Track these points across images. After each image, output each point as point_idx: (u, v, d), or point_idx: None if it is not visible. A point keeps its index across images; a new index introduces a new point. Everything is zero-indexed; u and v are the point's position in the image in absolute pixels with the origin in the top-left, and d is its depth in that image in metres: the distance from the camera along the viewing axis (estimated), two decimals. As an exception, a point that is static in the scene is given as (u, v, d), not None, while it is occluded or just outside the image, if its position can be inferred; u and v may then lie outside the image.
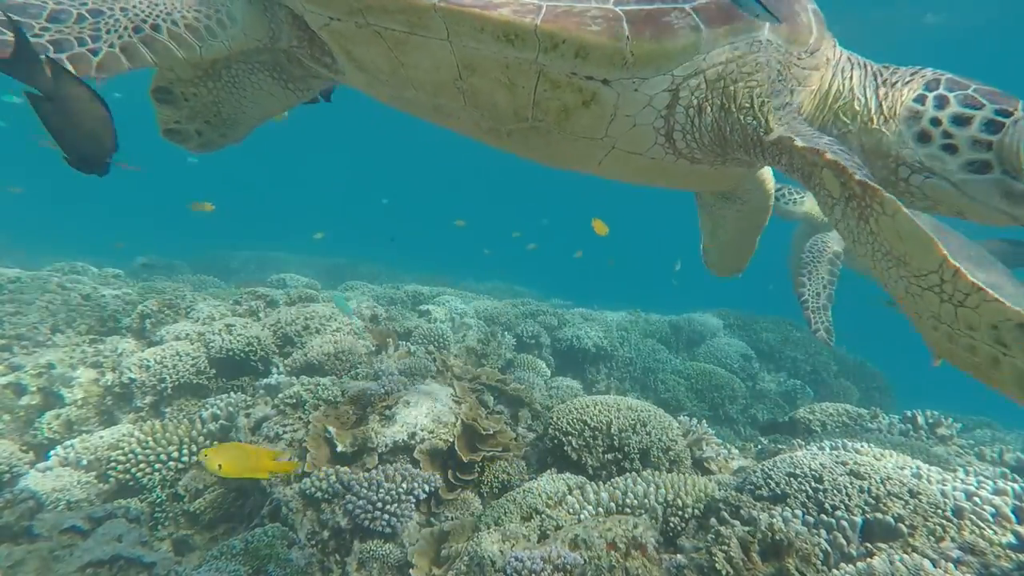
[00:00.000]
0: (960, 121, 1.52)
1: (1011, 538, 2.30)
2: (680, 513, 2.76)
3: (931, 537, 2.31)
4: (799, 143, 1.48)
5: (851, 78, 1.74)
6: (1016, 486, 2.66)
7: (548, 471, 3.59)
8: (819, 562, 2.19)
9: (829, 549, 2.25)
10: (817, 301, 3.91)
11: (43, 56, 1.36)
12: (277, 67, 2.10)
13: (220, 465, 2.42)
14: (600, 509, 2.87)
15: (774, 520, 2.36)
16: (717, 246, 2.92)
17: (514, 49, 1.52)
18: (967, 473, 2.96)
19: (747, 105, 1.62)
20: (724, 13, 1.50)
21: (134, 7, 1.62)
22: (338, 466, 3.54)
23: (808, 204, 4.36)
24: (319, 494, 3.36)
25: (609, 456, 3.47)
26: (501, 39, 1.50)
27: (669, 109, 1.62)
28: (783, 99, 1.66)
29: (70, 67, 1.39)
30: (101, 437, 4.04)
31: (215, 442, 4.01)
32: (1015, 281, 4.01)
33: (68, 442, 4.03)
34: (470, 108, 1.77)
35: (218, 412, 4.16)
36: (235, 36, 1.76)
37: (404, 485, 3.31)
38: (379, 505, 3.21)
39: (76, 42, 1.48)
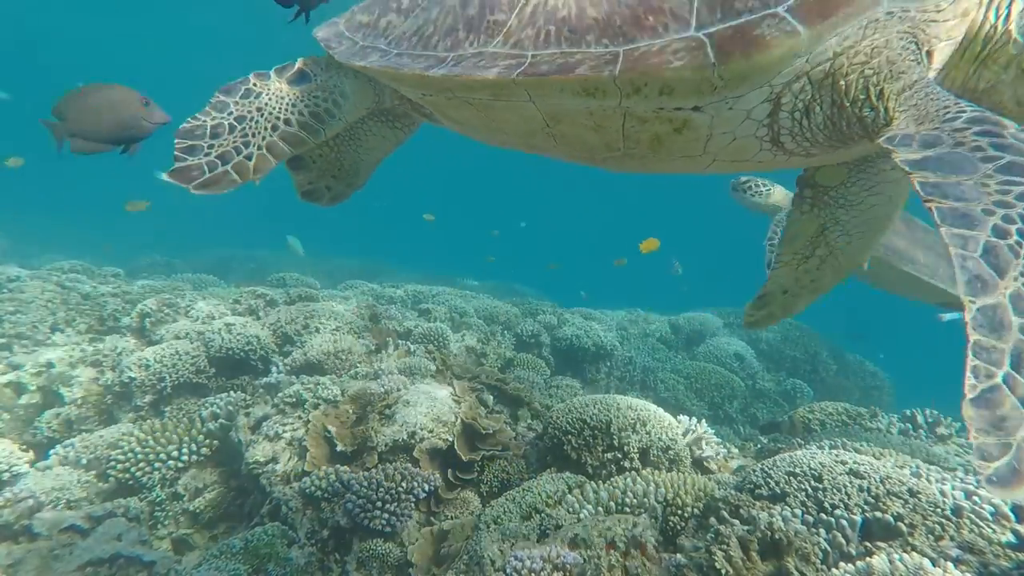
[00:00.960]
0: None
1: (1010, 537, 2.30)
2: (680, 512, 2.76)
3: (930, 536, 2.31)
4: (900, 155, 1.27)
5: (1009, 13, 1.46)
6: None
7: (548, 470, 3.59)
8: (818, 561, 2.19)
9: (828, 548, 2.25)
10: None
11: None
12: (385, 114, 2.28)
13: None
14: (600, 508, 2.87)
15: (774, 519, 2.36)
16: (812, 264, 2.35)
17: (596, 100, 1.51)
18: (966, 472, 2.96)
19: (862, 97, 1.46)
20: (826, 5, 1.34)
21: (267, 105, 1.84)
22: (338, 465, 3.54)
23: (776, 195, 4.31)
24: (319, 493, 3.36)
25: (609, 455, 3.47)
26: (582, 94, 1.51)
27: (771, 117, 1.54)
28: (911, 76, 1.44)
29: (236, 178, 1.68)
30: (101, 436, 4.05)
31: (215, 442, 4.01)
32: None
33: (68, 441, 4.04)
34: (561, 146, 1.79)
35: (218, 411, 4.16)
36: (348, 110, 1.96)
37: (404, 484, 3.31)
38: (379, 504, 3.21)
39: (235, 151, 1.74)
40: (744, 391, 7.53)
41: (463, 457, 3.59)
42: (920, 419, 4.47)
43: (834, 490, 2.53)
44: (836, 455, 2.80)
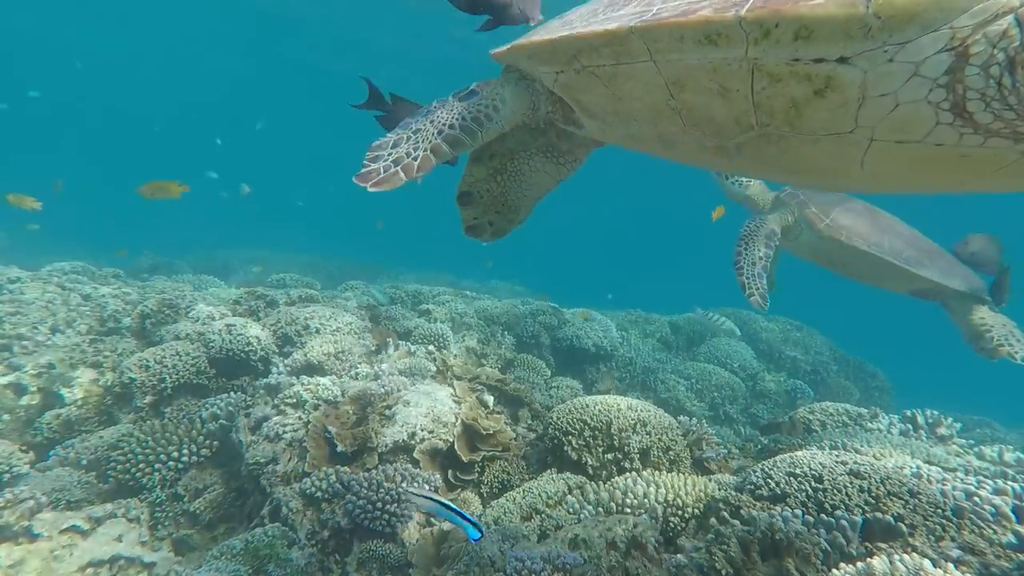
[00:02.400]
0: None
1: (1011, 538, 2.30)
2: (680, 513, 2.76)
3: (931, 537, 2.31)
4: None
5: None
6: (1016, 485, 2.66)
7: (548, 471, 3.59)
8: (819, 561, 2.19)
9: (829, 549, 2.24)
10: (752, 269, 4.01)
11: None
12: (549, 148, 2.44)
13: None
14: (600, 509, 2.87)
15: (774, 520, 2.36)
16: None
17: (719, 50, 1.36)
18: (967, 473, 2.96)
19: None
20: None
21: (438, 118, 2.09)
22: (338, 466, 3.54)
23: (754, 188, 4.39)
24: (319, 494, 3.36)
25: (609, 456, 3.48)
26: (703, 42, 1.37)
27: (953, 74, 1.16)
28: None
29: (403, 175, 1.94)
30: (101, 437, 4.05)
31: (215, 443, 4.02)
32: (949, 258, 4.05)
33: (68, 442, 4.04)
34: (690, 128, 1.69)
35: (218, 412, 4.16)
36: (506, 115, 2.13)
37: (404, 485, 3.31)
38: (379, 505, 3.21)
39: (406, 155, 2.01)
40: (744, 392, 7.53)
41: (463, 458, 3.59)
42: (920, 420, 4.47)
43: (834, 490, 2.53)
44: (836, 456, 2.80)
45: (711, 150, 1.77)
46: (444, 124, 2.07)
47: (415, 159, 2.00)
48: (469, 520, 2.30)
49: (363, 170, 1.99)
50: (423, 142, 2.05)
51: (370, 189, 1.93)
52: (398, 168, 1.96)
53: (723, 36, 1.32)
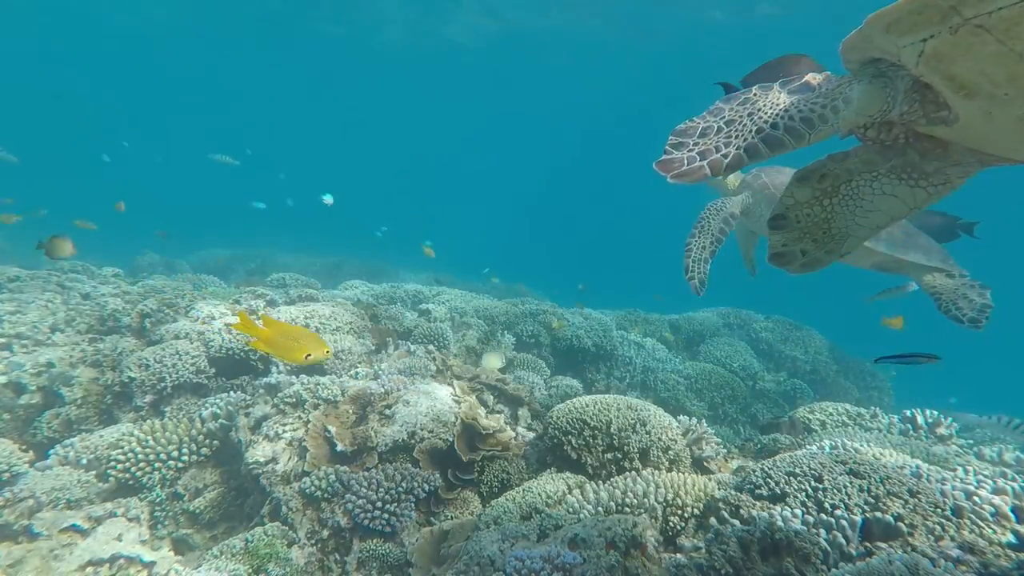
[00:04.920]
0: None
1: (1010, 537, 2.30)
2: (680, 512, 2.76)
3: (930, 536, 2.31)
4: None
5: None
6: (1015, 485, 2.66)
7: (548, 470, 3.59)
8: (818, 561, 2.19)
9: (828, 548, 2.25)
10: (701, 253, 4.01)
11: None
12: (906, 167, 1.96)
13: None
14: (600, 508, 2.87)
15: (774, 519, 2.36)
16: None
17: None
18: (966, 472, 2.96)
19: None
20: None
21: (760, 111, 1.85)
22: (338, 465, 3.54)
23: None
24: (319, 493, 3.36)
25: (609, 455, 3.47)
26: None
27: None
28: None
29: (708, 171, 1.75)
30: (101, 436, 4.05)
31: (215, 442, 4.01)
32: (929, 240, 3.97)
33: (68, 441, 4.04)
34: None
35: (218, 411, 4.16)
36: (847, 116, 1.80)
37: (404, 484, 3.31)
38: (379, 504, 3.21)
39: (714, 149, 1.81)
40: (744, 391, 7.53)
41: (463, 457, 3.59)
42: (920, 419, 4.47)
43: (834, 490, 2.53)
44: (836, 455, 2.80)
45: None
46: (765, 123, 1.81)
47: (725, 156, 1.78)
48: None
49: (664, 157, 1.82)
50: (736, 137, 1.82)
51: (670, 180, 1.77)
52: (704, 163, 1.77)
53: None
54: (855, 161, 1.95)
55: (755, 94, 1.91)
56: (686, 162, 1.78)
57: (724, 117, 1.89)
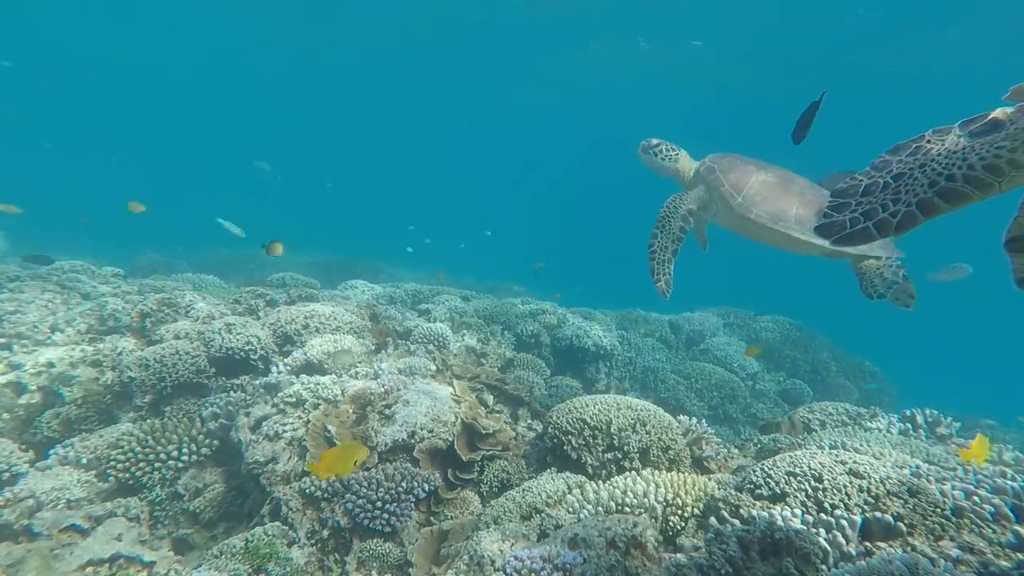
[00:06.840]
0: None
1: (1010, 537, 2.30)
2: (680, 512, 2.76)
3: (930, 536, 2.31)
4: None
5: None
6: (1015, 485, 2.66)
7: (548, 470, 3.59)
8: (818, 561, 2.19)
9: (828, 548, 2.25)
10: (664, 254, 4.02)
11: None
12: None
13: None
14: (600, 508, 2.87)
15: (774, 519, 2.36)
16: None
17: None
18: (966, 472, 2.96)
19: None
20: None
21: (932, 161, 1.67)
22: (338, 465, 3.54)
23: (682, 162, 4.39)
24: (319, 493, 3.36)
25: (609, 455, 3.47)
26: None
27: None
28: None
29: (875, 233, 1.62)
30: (101, 436, 4.05)
31: (215, 442, 4.01)
32: None
33: (68, 441, 4.04)
34: None
35: (218, 411, 4.16)
36: None
37: (404, 484, 3.31)
38: (379, 504, 3.21)
39: (880, 208, 1.66)
40: (744, 391, 7.53)
41: (463, 457, 3.59)
42: (920, 419, 4.47)
43: (834, 490, 2.53)
44: (836, 455, 2.80)
45: None
46: (940, 174, 1.61)
47: (893, 215, 1.63)
48: None
49: (825, 220, 1.73)
50: (906, 193, 1.65)
51: (831, 245, 1.69)
52: (869, 223, 1.65)
53: None
54: None
55: (928, 140, 1.76)
56: (848, 224, 1.68)
57: (891, 171, 1.75)
